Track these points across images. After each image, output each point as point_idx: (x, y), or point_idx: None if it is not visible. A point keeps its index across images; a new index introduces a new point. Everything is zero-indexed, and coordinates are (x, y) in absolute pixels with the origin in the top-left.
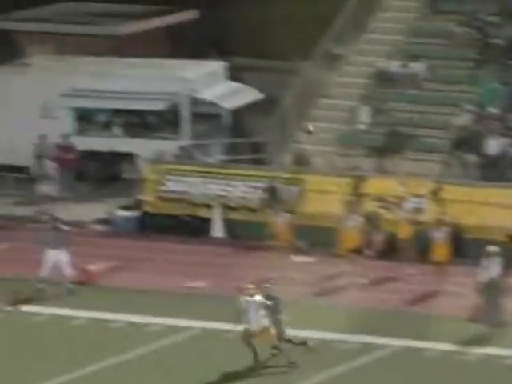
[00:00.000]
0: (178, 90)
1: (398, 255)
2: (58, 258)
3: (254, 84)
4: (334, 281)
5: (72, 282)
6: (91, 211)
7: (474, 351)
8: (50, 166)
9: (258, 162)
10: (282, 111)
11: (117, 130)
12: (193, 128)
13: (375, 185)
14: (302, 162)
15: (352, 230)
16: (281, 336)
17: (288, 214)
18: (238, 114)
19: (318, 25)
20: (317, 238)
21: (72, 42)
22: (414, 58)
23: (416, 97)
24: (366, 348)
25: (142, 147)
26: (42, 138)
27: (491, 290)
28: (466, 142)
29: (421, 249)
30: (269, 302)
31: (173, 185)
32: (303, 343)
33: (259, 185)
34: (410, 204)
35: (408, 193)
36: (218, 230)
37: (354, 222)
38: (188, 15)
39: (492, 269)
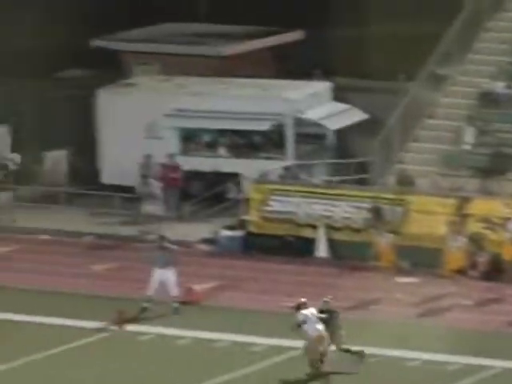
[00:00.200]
0: (282, 110)
1: (502, 276)
2: (164, 278)
3: (358, 104)
4: (438, 302)
5: (177, 301)
6: (196, 231)
7: None
8: (156, 186)
9: (362, 183)
10: (386, 131)
11: (221, 150)
12: (297, 148)
13: (479, 206)
14: (405, 182)
15: (456, 250)
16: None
17: (392, 235)
18: (343, 134)
19: (422, 45)
20: (421, 258)
21: (177, 62)
22: None
23: None
24: (469, 369)
25: (246, 167)
26: (147, 157)
27: None
28: None
29: None
30: (323, 316)
31: (277, 205)
32: (359, 353)
33: (363, 205)
34: None
35: None
36: (322, 251)
37: (459, 243)
38: (293, 36)
39: None
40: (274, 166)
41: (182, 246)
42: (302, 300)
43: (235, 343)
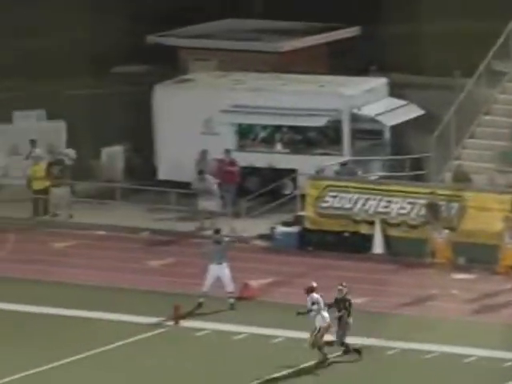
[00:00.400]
0: (339, 106)
1: None
2: (220, 273)
3: (414, 100)
4: (494, 298)
5: (233, 297)
6: (252, 227)
7: None
8: (212, 182)
9: (418, 179)
10: (442, 128)
11: (278, 146)
12: (353, 144)
13: None
14: (462, 178)
15: None
16: (343, 337)
17: (448, 231)
18: (399, 130)
19: (479, 41)
20: (477, 255)
21: (234, 58)
22: None
23: None
24: None
25: (302, 163)
26: (203, 153)
27: None
28: None
29: None
30: (329, 303)
31: (333, 201)
32: (357, 351)
33: (419, 201)
34: None
35: None
36: (378, 247)
37: None
38: (349, 32)
39: None
40: (330, 162)
41: (239, 242)
42: (314, 284)
43: (291, 339)
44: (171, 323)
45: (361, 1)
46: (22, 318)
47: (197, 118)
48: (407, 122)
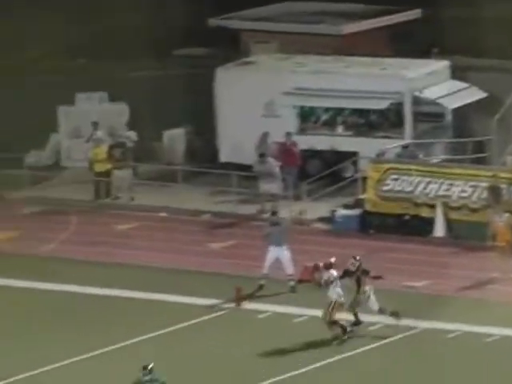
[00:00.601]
0: (401, 89)
1: None
2: (279, 255)
3: (476, 83)
4: None
5: (293, 279)
6: (313, 209)
7: None
8: (273, 165)
9: (479, 162)
10: (504, 110)
11: (339, 129)
12: (415, 127)
13: None
14: None
15: None
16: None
17: (509, 215)
18: (461, 113)
19: None
20: None
21: (295, 40)
22: None
23: None
24: None
25: (364, 146)
26: (264, 136)
27: None
28: None
29: None
30: (341, 279)
31: (394, 184)
32: (357, 323)
33: (481, 184)
34: None
35: None
36: (439, 230)
37: None
38: (410, 15)
39: None
40: (391, 145)
41: (299, 225)
42: (332, 260)
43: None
44: (232, 305)
45: None
46: (84, 300)
47: (258, 100)
48: (469, 105)
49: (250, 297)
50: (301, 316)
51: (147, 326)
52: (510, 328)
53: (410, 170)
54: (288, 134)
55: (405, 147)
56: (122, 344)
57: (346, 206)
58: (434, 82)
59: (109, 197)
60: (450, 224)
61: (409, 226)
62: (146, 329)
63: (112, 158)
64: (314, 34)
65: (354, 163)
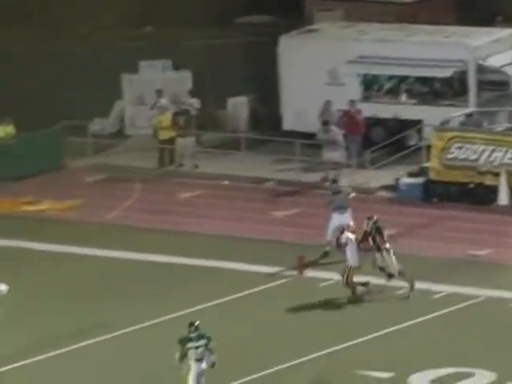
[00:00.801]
0: (464, 57)
1: None
2: (342, 222)
3: None
4: None
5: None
6: (377, 178)
7: None
8: (337, 133)
9: None
10: None
11: (403, 97)
12: (479, 95)
13: None
14: None
15: None
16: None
17: None
18: None
19: None
20: None
21: (358, 8)
22: None
23: None
24: None
25: (428, 114)
26: (327, 104)
27: None
28: None
29: None
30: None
31: (458, 152)
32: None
33: None
34: None
35: None
36: (503, 198)
37: None
38: None
39: None
40: (455, 113)
41: (363, 193)
42: (350, 223)
43: (417, 290)
44: (295, 273)
45: None
46: (148, 268)
47: (321, 68)
48: None
49: (313, 264)
50: (363, 285)
51: (209, 294)
52: None
53: (475, 138)
54: (352, 102)
55: (469, 115)
56: (184, 312)
57: (410, 175)
58: (498, 50)
59: (172, 164)
60: None
61: (473, 194)
62: (208, 297)
63: (176, 125)
64: (378, 1)
65: (418, 131)
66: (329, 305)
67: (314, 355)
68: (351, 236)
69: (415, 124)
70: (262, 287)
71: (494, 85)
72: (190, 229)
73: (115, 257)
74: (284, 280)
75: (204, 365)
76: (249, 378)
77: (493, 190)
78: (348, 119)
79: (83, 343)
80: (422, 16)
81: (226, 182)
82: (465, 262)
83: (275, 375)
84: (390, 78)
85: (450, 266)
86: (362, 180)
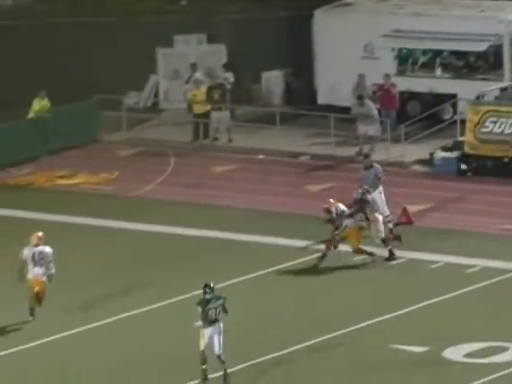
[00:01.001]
0: (499, 31)
1: None
2: (375, 198)
3: None
4: None
5: (389, 220)
6: (412, 152)
7: None
8: (372, 107)
9: None
10: None
11: (438, 71)
12: None
13: None
14: None
15: None
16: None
17: None
18: None
19: None
20: None
21: None
22: None
23: None
24: None
25: (463, 88)
26: (361, 77)
27: None
28: None
29: None
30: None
31: (493, 126)
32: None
33: None
34: None
35: None
36: None
37: None
38: None
39: None
40: (490, 87)
41: (397, 167)
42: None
43: (451, 264)
44: (329, 247)
45: None
46: (181, 242)
47: (357, 42)
48: None
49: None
50: (399, 258)
51: (243, 268)
52: None
53: (509, 112)
54: (386, 76)
55: (504, 89)
56: (217, 286)
57: (445, 149)
58: None
59: (207, 138)
60: None
61: (507, 168)
62: (241, 271)
63: (210, 99)
64: None
65: (453, 105)
66: (362, 279)
67: (347, 329)
68: (341, 206)
69: (450, 98)
70: (296, 261)
71: None
72: (224, 203)
73: (148, 230)
74: (317, 254)
75: (221, 324)
76: (284, 351)
77: None
78: (383, 93)
79: (109, 320)
80: None
81: (260, 156)
82: (499, 236)
83: (310, 348)
84: (425, 52)
85: (484, 240)
86: (397, 154)
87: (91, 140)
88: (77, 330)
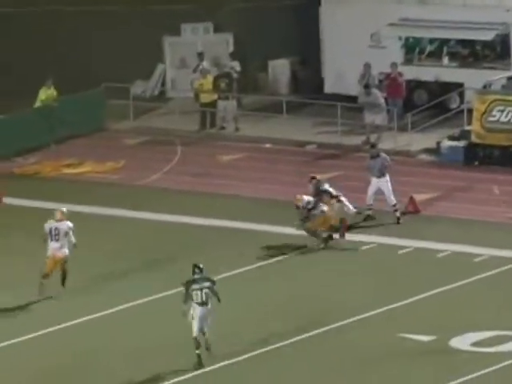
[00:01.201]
0: (507, 20)
1: None
2: (381, 186)
3: None
4: None
5: (397, 209)
6: (418, 141)
7: None
8: (379, 96)
9: None
10: None
11: (445, 60)
12: None
13: None
14: None
15: None
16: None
17: None
18: None
19: None
20: None
21: None
22: None
23: None
24: None
25: (470, 77)
26: (367, 66)
27: None
28: None
29: None
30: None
31: (500, 115)
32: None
33: None
34: None
35: None
36: None
37: None
38: None
39: None
40: (497, 76)
41: (404, 156)
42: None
43: (457, 253)
44: (336, 236)
45: None
46: (188, 231)
47: (364, 31)
48: None
49: (355, 228)
50: (405, 247)
51: (249, 257)
52: None
53: None
54: (393, 65)
55: (510, 78)
56: (224, 275)
57: (452, 138)
58: None
59: (214, 127)
60: None
61: None
62: (248, 259)
63: (217, 88)
64: None
65: (460, 94)
66: (369, 268)
67: (354, 318)
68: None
69: (457, 87)
70: (302, 250)
71: None
72: (230, 191)
73: (155, 219)
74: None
75: (209, 307)
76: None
77: None
78: (389, 82)
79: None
80: None
81: (267, 145)
82: (506, 225)
83: (317, 337)
84: (432, 40)
85: (491, 229)
86: (404, 143)
87: (98, 129)
88: (83, 318)
